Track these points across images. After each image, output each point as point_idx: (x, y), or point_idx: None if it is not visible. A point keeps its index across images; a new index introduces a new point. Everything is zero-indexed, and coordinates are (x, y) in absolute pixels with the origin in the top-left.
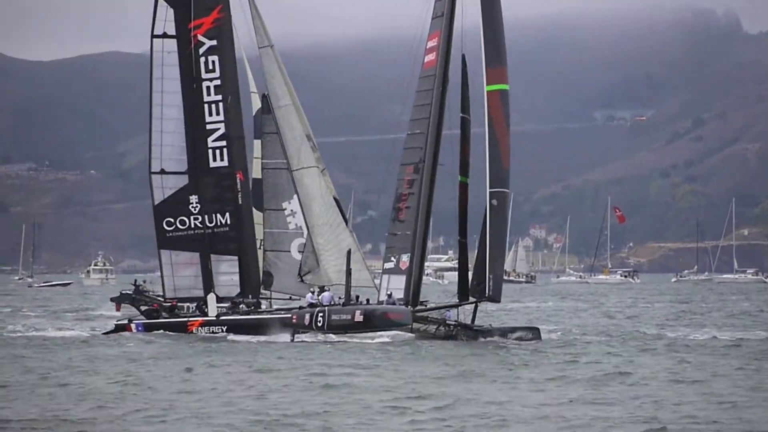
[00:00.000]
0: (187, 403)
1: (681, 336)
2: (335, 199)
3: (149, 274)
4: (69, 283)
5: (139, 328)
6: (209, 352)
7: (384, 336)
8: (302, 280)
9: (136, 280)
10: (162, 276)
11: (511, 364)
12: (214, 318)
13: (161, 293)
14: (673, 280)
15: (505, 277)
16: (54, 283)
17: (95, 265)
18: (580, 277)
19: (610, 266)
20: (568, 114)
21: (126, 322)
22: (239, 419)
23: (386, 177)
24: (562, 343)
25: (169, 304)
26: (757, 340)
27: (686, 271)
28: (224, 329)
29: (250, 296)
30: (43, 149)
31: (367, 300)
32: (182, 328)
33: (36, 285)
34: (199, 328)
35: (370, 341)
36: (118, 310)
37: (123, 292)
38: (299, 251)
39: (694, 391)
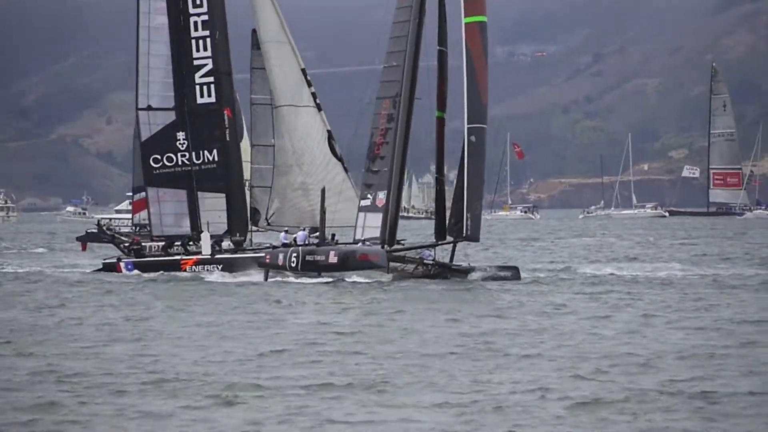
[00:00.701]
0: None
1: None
2: (329, 134)
3: (53, 213)
4: None
5: (129, 267)
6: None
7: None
8: (269, 224)
9: (99, 220)
10: (149, 213)
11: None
12: (209, 256)
13: (122, 232)
14: (580, 216)
15: (404, 214)
16: None
17: None
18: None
19: (510, 202)
20: (426, 54)
21: (115, 260)
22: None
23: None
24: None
25: (163, 243)
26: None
27: (593, 207)
28: (219, 267)
29: (237, 234)
30: None
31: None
32: (175, 267)
33: None
34: (193, 266)
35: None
36: (83, 249)
37: (89, 231)
38: (301, 183)
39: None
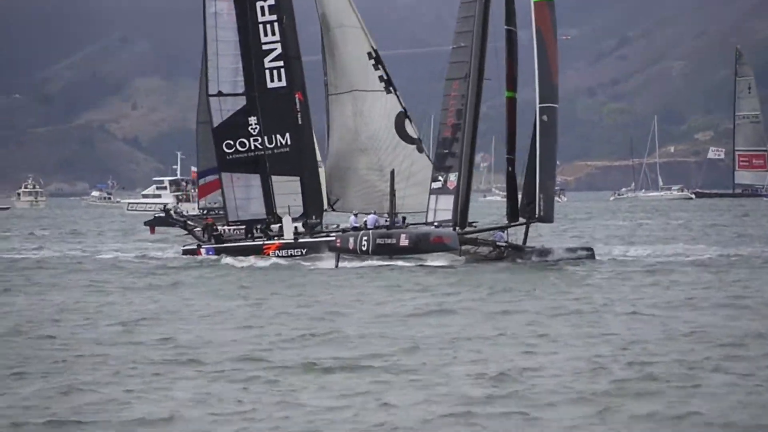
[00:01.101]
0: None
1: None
2: (403, 116)
3: (79, 198)
4: (6, 208)
5: (210, 252)
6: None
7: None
8: (333, 209)
9: (165, 205)
10: (224, 199)
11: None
12: (292, 240)
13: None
14: (611, 198)
15: None
16: None
17: (25, 187)
18: (505, 196)
19: None
20: (495, 34)
21: (195, 246)
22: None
23: None
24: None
25: (244, 227)
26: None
27: (624, 189)
28: (304, 252)
29: (313, 217)
30: None
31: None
32: (257, 252)
33: None
34: (276, 251)
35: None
36: (152, 233)
37: (156, 216)
38: (366, 168)
39: None
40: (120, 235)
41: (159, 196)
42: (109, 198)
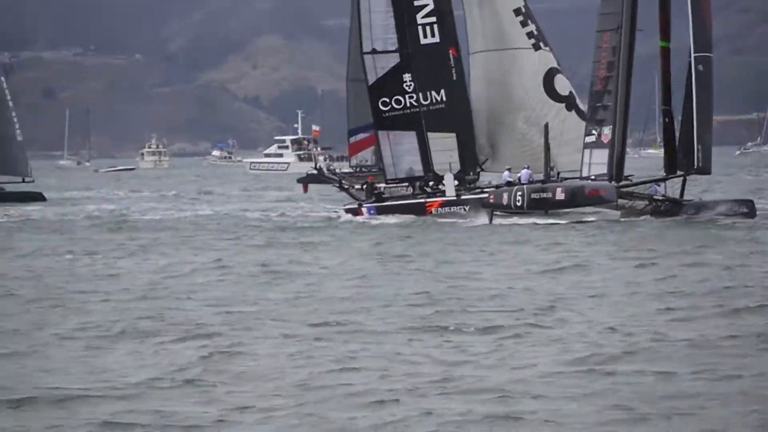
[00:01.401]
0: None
1: None
2: (553, 72)
3: (201, 158)
4: (132, 168)
5: (372, 211)
6: None
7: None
8: (482, 170)
9: (317, 163)
10: (381, 157)
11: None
12: (454, 198)
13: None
14: (737, 153)
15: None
16: (118, 168)
17: (149, 147)
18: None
19: (659, 140)
20: None
21: (356, 206)
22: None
23: None
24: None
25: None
26: None
27: (749, 144)
28: (466, 208)
29: (471, 173)
30: (88, 34)
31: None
32: (420, 210)
33: (102, 170)
34: (439, 208)
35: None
36: (305, 191)
37: (309, 173)
38: (521, 123)
39: None
40: (249, 194)
41: (281, 155)
42: (230, 157)
